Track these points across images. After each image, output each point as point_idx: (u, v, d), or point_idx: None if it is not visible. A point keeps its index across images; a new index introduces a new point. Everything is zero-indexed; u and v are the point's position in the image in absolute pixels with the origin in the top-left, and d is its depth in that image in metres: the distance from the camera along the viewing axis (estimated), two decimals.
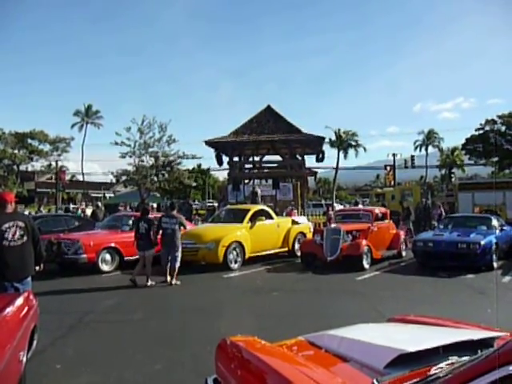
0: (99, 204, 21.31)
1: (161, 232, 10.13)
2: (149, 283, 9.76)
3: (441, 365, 2.15)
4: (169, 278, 9.92)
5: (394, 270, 11.52)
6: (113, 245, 11.51)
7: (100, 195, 58.39)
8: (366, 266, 11.48)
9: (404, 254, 13.70)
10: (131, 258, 11.46)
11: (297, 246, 13.88)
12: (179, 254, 10.05)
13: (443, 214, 18.56)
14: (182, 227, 10.20)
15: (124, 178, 28.89)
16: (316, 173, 36.41)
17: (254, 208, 13.85)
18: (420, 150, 62.45)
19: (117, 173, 28.88)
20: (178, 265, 9.99)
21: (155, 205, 31.98)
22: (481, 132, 49.08)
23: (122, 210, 26.61)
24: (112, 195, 54.47)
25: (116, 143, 26.66)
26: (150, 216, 10.37)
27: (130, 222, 12.56)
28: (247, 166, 30.65)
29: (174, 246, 9.99)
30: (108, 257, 11.46)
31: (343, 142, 44.13)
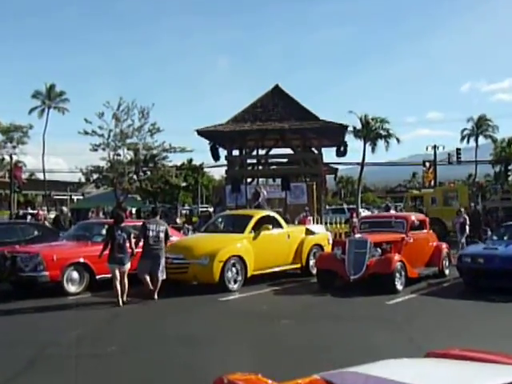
0: (64, 209, 21.37)
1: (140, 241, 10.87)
2: (124, 300, 10.31)
3: None
4: (155, 295, 10.67)
5: (435, 293, 11.51)
6: (81, 260, 11.50)
7: (66, 197, 58.61)
8: (399, 287, 11.45)
9: (447, 272, 13.67)
10: (104, 276, 11.41)
11: (312, 261, 13.86)
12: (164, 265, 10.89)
13: (467, 222, 18.28)
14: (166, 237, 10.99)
15: (95, 176, 28.96)
16: (336, 170, 36.48)
17: (259, 214, 13.86)
18: (468, 142, 62.22)
19: (87, 170, 28.94)
20: (163, 277, 10.82)
21: (134, 210, 31.99)
22: None
23: (93, 216, 26.70)
24: (81, 197, 54.62)
25: (86, 133, 26.72)
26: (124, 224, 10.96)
27: (104, 232, 12.51)
28: (250, 161, 30.67)
29: (160, 256, 10.84)
30: (75, 275, 11.45)
31: (371, 132, 43.95)
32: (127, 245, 10.44)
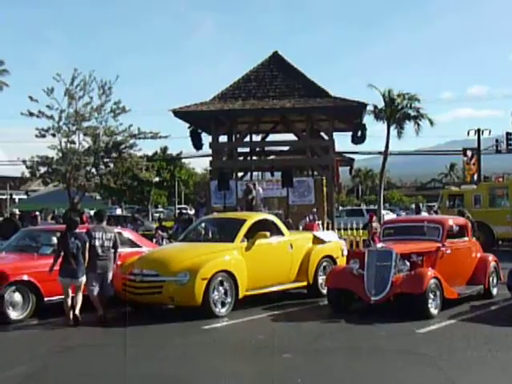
0: (16, 211, 21.31)
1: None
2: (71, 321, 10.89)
3: None
4: (101, 312, 11.25)
5: (479, 318, 11.47)
6: (25, 277, 11.45)
7: (5, 197, 58.39)
8: (434, 310, 11.43)
9: (495, 291, 13.67)
10: (54, 298, 11.49)
11: (321, 278, 13.88)
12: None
13: (473, 227, 18.37)
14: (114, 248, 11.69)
15: (43, 169, 28.85)
16: (352, 161, 36.54)
17: (253, 218, 13.83)
18: None
19: (31, 161, 28.83)
20: (111, 293, 11.61)
21: (93, 212, 31.90)
22: None
23: (42, 220, 26.53)
24: (24, 197, 54.51)
25: (30, 114, 26.65)
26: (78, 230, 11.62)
27: (54, 241, 12.61)
28: (241, 149, 30.67)
29: (109, 268, 11.52)
30: (17, 297, 11.41)
31: (396, 111, 43.98)
32: (82, 255, 11.08)
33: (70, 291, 11.03)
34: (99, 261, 11.31)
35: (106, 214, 13.26)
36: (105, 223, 12.06)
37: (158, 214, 58.72)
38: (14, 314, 11.32)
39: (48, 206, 30.44)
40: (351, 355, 8.99)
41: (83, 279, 11.12)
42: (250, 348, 9.48)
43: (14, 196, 59.24)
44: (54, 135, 26.77)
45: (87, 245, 11.18)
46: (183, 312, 11.68)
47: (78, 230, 11.46)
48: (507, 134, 47.69)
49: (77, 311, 10.90)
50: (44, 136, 26.89)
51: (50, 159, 27.70)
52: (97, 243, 11.33)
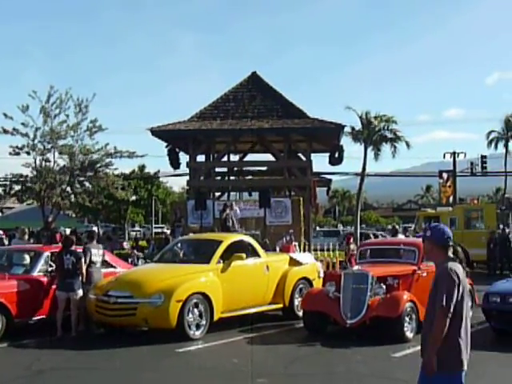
0: None
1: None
2: (73, 334, 11.76)
3: None
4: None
5: None
6: None
7: None
8: (410, 334, 11.43)
9: (470, 314, 13.64)
10: (26, 320, 11.41)
11: (297, 300, 13.86)
12: None
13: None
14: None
15: (17, 187, 28.57)
16: (330, 182, 36.58)
17: (229, 239, 13.81)
18: (496, 147, 63.01)
19: (6, 179, 28.57)
20: None
21: (68, 230, 31.62)
22: None
23: (19, 237, 26.17)
24: None
25: (4, 131, 26.41)
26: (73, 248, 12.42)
27: (27, 260, 12.67)
28: (219, 169, 30.61)
29: (101, 281, 12.38)
30: None
31: (373, 133, 44.34)
32: (78, 269, 12.03)
33: (63, 305, 11.73)
34: (96, 273, 12.38)
35: (96, 233, 14.96)
36: (95, 241, 13.18)
37: (134, 233, 58.32)
38: None
39: (22, 225, 30.07)
40: (327, 380, 8.96)
41: (80, 292, 11.95)
42: (225, 372, 9.41)
43: None
44: (28, 153, 26.53)
45: (82, 260, 12.13)
46: (157, 334, 11.58)
47: (73, 248, 12.33)
48: (482, 156, 48.33)
49: (73, 326, 11.80)
50: (18, 154, 26.65)
51: (25, 177, 27.46)
52: (93, 258, 12.41)
